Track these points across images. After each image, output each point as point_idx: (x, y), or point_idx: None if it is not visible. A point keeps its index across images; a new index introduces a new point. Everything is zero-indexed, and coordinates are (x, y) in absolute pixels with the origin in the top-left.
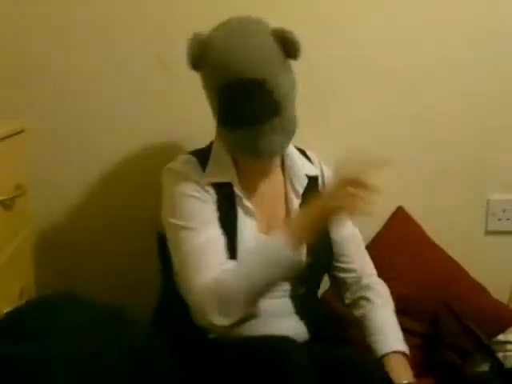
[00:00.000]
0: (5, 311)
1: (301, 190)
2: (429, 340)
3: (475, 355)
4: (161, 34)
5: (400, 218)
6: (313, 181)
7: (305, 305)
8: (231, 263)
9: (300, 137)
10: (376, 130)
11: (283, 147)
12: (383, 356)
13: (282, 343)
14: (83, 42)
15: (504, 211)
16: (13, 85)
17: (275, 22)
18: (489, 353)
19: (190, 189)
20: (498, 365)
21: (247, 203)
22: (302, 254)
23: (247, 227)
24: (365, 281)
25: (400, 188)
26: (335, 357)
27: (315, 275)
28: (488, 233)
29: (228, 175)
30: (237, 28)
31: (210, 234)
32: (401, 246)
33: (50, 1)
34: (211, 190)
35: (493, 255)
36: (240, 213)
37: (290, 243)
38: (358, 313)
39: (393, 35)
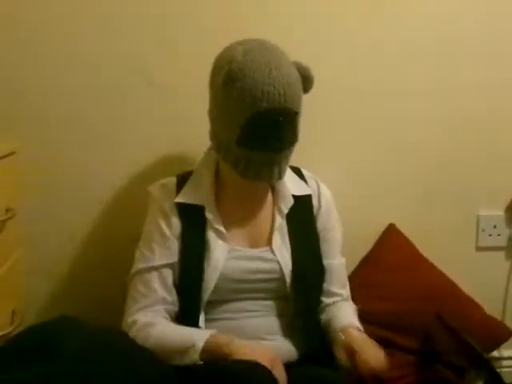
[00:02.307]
0: None
1: (285, 211)
2: (423, 357)
3: (470, 372)
4: (148, 53)
5: (392, 235)
6: (304, 200)
7: (295, 324)
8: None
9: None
10: (367, 148)
11: (285, 173)
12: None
13: (250, 371)
14: (71, 64)
15: (494, 227)
16: (4, 107)
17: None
18: (488, 367)
19: (157, 218)
20: (496, 379)
21: (218, 227)
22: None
23: (217, 250)
24: (338, 303)
25: (391, 205)
26: (302, 376)
27: (304, 296)
28: (479, 249)
29: (202, 198)
30: (274, 54)
31: (156, 264)
32: (392, 262)
33: (38, 22)
34: (176, 220)
35: (484, 271)
36: (211, 235)
37: (208, 352)
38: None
39: (391, 58)
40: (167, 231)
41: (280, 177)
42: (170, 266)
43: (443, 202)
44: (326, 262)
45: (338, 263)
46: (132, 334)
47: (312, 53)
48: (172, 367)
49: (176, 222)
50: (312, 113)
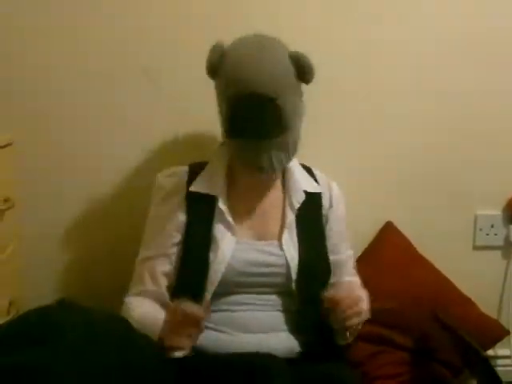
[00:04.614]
0: None
1: (297, 205)
2: (418, 355)
3: (465, 370)
4: (147, 47)
5: (389, 233)
6: (314, 197)
7: (300, 320)
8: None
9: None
10: (367, 147)
11: (283, 165)
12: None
13: (263, 361)
14: (70, 55)
15: (492, 226)
16: (1, 98)
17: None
18: (485, 365)
19: (162, 208)
20: (493, 377)
21: (229, 218)
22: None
23: (225, 242)
24: None
25: (389, 203)
26: (317, 373)
27: (308, 293)
28: (476, 248)
29: (216, 189)
30: (256, 43)
31: (156, 253)
32: (390, 260)
33: (35, 13)
34: (182, 210)
35: (481, 270)
36: (219, 227)
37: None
38: None
39: (393, 58)
40: (168, 222)
41: (273, 168)
42: (164, 255)
43: (441, 200)
44: (335, 257)
45: (347, 256)
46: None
47: (316, 51)
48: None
49: (181, 212)
50: (312, 110)
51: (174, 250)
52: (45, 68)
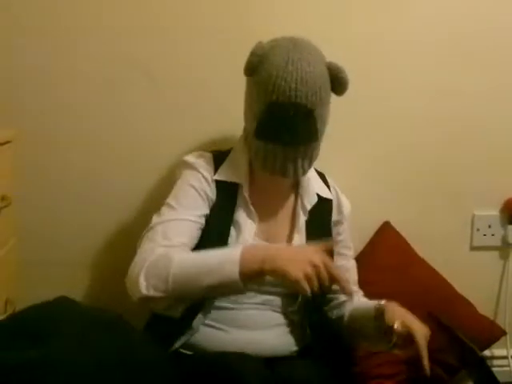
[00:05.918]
0: None
1: (308, 207)
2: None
3: (461, 370)
4: (147, 47)
5: (386, 233)
6: (325, 203)
7: (296, 319)
8: (186, 249)
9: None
10: (365, 147)
11: (305, 172)
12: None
13: (238, 362)
14: (70, 54)
15: (489, 227)
16: (0, 95)
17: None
18: (481, 365)
19: (193, 179)
20: (489, 377)
21: (251, 207)
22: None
23: (247, 229)
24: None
25: (387, 203)
26: (296, 376)
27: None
28: (473, 248)
29: (240, 177)
30: (299, 50)
31: (184, 217)
32: (386, 260)
33: (38, 13)
34: (214, 189)
35: (478, 271)
36: (242, 214)
37: (245, 265)
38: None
39: (393, 59)
40: (199, 193)
41: (296, 174)
42: (191, 222)
43: (439, 201)
44: (342, 262)
45: (353, 264)
46: (152, 257)
47: None
48: (167, 351)
49: (211, 190)
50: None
51: (202, 221)
52: (45, 66)
